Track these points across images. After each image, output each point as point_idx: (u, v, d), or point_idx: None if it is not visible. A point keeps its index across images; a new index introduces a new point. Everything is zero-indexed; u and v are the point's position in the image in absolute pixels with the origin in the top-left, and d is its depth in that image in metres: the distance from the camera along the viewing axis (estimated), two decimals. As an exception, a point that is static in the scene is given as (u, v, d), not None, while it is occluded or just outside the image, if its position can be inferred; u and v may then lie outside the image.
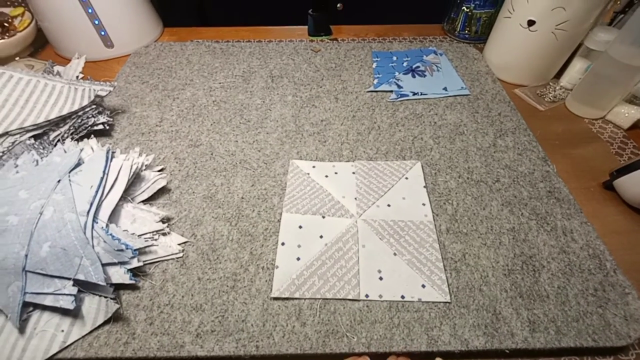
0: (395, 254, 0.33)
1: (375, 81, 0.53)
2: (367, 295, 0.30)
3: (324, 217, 0.36)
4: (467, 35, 0.63)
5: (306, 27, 0.64)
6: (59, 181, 0.32)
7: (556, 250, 0.34)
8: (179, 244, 0.34)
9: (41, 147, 0.37)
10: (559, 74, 0.54)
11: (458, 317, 0.29)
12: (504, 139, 0.45)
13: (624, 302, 0.30)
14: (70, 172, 0.34)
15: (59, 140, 0.39)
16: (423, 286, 0.31)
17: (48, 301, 0.27)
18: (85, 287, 0.29)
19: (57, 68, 0.46)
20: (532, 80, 0.54)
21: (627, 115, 0.47)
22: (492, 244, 0.34)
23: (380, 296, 0.30)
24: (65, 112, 0.39)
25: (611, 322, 0.29)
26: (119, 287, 0.31)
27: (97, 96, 0.42)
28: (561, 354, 0.29)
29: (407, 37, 0.65)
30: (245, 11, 0.71)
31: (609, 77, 0.45)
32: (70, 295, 0.27)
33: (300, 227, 0.35)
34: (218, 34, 0.66)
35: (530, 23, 0.48)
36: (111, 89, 0.43)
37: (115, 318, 0.29)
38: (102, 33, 0.55)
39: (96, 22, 0.54)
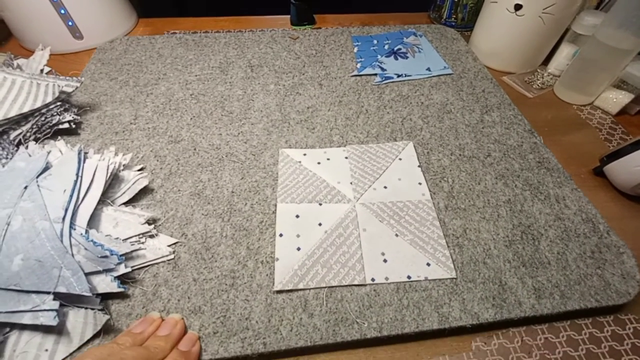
0: (397, 235, 0.32)
1: (359, 65, 0.52)
2: (373, 279, 0.30)
3: (320, 204, 0.35)
4: (453, 23, 0.62)
5: (289, 16, 0.62)
6: (25, 187, 0.29)
7: (552, 217, 0.34)
8: (169, 245, 0.31)
9: (0, 148, 0.34)
10: (546, 61, 0.54)
11: (466, 292, 0.29)
12: (490, 114, 0.45)
13: (620, 261, 0.31)
14: (37, 177, 0.30)
15: (20, 141, 0.35)
16: (428, 264, 0.30)
17: (26, 319, 0.25)
18: (68, 300, 0.26)
19: (18, 61, 0.41)
20: (520, 67, 0.54)
21: (615, 100, 0.47)
22: (490, 217, 0.34)
23: (387, 279, 0.30)
24: (26, 109, 0.36)
25: (610, 282, 0.30)
26: (106, 297, 0.28)
27: (62, 92, 0.38)
28: (568, 318, 0.29)
29: (392, 25, 0.64)
30: (226, 0, 0.68)
31: (597, 62, 0.44)
32: (52, 310, 0.25)
33: (297, 216, 0.34)
34: (196, 25, 0.62)
35: (517, 7, 0.47)
36: (78, 84, 0.40)
37: (106, 330, 0.26)
38: (70, 23, 0.51)
39: (62, 12, 0.49)
